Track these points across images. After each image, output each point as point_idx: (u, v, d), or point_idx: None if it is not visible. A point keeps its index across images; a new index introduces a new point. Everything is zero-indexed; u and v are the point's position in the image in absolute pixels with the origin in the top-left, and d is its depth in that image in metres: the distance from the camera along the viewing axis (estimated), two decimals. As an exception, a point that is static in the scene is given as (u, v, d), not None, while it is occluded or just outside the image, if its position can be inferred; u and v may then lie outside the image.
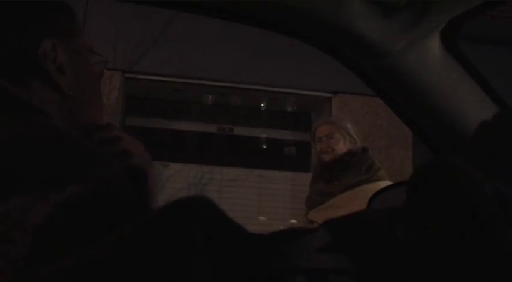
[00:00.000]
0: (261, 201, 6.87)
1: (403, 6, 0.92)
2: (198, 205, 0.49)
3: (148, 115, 7.09)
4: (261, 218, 6.77)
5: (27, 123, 0.58)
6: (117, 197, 0.53)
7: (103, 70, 0.88)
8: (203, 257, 0.45)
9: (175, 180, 6.78)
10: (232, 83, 6.54)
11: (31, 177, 0.50)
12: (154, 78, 6.39)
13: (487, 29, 5.78)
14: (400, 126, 6.23)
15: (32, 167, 0.51)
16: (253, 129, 7.33)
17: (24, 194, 0.48)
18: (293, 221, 6.38)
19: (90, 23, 4.44)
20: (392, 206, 0.55)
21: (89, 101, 0.79)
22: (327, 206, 2.34)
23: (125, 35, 6.06)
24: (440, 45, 1.03)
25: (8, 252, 0.46)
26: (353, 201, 2.23)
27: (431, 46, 1.02)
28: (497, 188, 0.51)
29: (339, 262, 0.47)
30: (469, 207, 0.50)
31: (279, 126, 7.35)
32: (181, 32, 6.03)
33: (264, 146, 7.38)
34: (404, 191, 1.31)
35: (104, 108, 0.87)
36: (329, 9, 0.95)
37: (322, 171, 2.49)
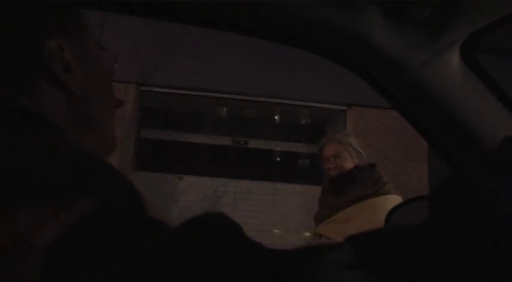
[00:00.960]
0: (275, 214, 6.86)
1: (422, 20, 0.92)
2: (217, 223, 0.48)
3: (163, 127, 7.13)
4: (275, 230, 6.76)
5: (36, 138, 0.57)
6: (128, 214, 0.52)
7: (114, 66, 0.87)
8: (223, 277, 0.44)
9: (189, 193, 6.79)
10: (246, 96, 6.56)
11: (40, 194, 0.49)
12: (169, 90, 6.43)
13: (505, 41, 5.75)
14: (415, 138, 6.19)
15: (41, 184, 0.50)
16: (267, 141, 7.34)
17: (33, 212, 0.47)
18: (307, 234, 6.35)
19: (106, 37, 4.48)
20: (414, 222, 0.54)
21: (99, 99, 0.77)
22: (334, 220, 2.39)
23: (140, 48, 6.12)
24: (460, 60, 1.02)
25: (20, 274, 0.45)
26: (360, 214, 2.30)
27: (450, 60, 1.01)
28: None
29: (365, 279, 0.47)
30: (493, 227, 0.49)
31: (293, 139, 7.35)
32: (196, 45, 6.07)
33: (278, 159, 7.38)
34: (421, 206, 1.29)
35: (115, 112, 0.84)
36: (348, 23, 0.95)
37: (331, 186, 2.54)
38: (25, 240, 0.46)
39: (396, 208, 1.50)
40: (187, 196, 6.78)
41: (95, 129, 0.76)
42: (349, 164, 2.45)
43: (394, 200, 2.28)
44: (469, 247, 0.49)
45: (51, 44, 0.68)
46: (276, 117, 7.28)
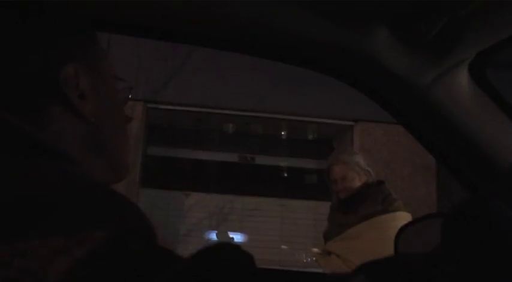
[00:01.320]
0: (283, 230, 6.84)
1: (430, 40, 0.92)
2: (228, 255, 0.48)
3: (170, 145, 7.14)
4: (283, 247, 6.73)
5: (45, 170, 0.56)
6: (142, 247, 0.51)
7: (128, 96, 0.86)
8: None
9: (196, 210, 6.78)
10: (252, 112, 6.57)
11: (49, 228, 0.48)
12: (175, 108, 6.45)
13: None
14: (423, 154, 6.17)
15: (50, 218, 0.49)
16: (274, 158, 7.33)
17: (42, 246, 0.46)
18: (315, 250, 6.31)
19: (113, 55, 4.50)
20: (425, 242, 0.53)
21: (112, 128, 0.76)
22: (344, 237, 2.40)
23: (147, 66, 6.16)
24: (469, 78, 1.01)
25: None
26: (369, 231, 2.30)
27: (459, 79, 1.01)
28: None
29: None
30: (509, 257, 0.48)
31: (300, 155, 7.34)
32: (202, 63, 6.10)
33: (286, 175, 7.36)
34: (431, 224, 1.28)
35: (128, 136, 0.83)
36: (357, 43, 0.95)
37: (340, 204, 2.55)
38: (35, 274, 0.45)
39: (406, 226, 1.49)
40: (195, 213, 6.77)
41: (106, 157, 0.74)
42: (356, 183, 2.45)
43: (404, 217, 2.28)
44: (484, 277, 0.48)
45: (68, 69, 0.67)
46: (283, 133, 7.27)
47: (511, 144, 1.04)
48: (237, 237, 6.54)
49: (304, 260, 6.59)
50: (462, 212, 0.53)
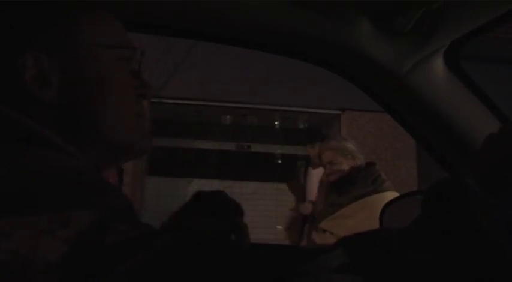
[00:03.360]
0: (278, 211, 6.84)
1: (408, 30, 0.92)
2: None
3: (173, 136, 7.13)
4: (278, 227, 6.74)
5: (31, 156, 0.53)
6: (125, 227, 0.49)
7: (139, 61, 0.76)
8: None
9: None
10: (249, 104, 6.56)
11: (35, 211, 0.46)
12: (177, 101, 6.43)
13: (491, 49, 5.77)
14: (404, 139, 6.18)
15: (35, 201, 0.47)
16: (268, 146, 7.33)
17: (28, 229, 0.45)
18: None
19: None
20: (404, 226, 0.53)
21: (95, 107, 0.65)
22: (337, 216, 2.40)
23: (150, 63, 6.12)
24: (444, 65, 1.02)
25: None
26: (361, 211, 2.30)
27: (435, 66, 1.01)
28: (505, 210, 0.50)
29: None
30: (476, 232, 0.49)
31: (292, 143, 7.34)
32: (201, 59, 6.08)
33: (279, 161, 7.37)
34: (412, 201, 1.29)
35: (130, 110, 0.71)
36: (340, 34, 0.95)
37: (331, 187, 2.58)
38: (24, 257, 0.44)
39: (388, 204, 1.50)
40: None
41: (91, 138, 0.65)
42: (344, 167, 2.45)
43: (392, 196, 2.26)
44: (453, 251, 0.48)
45: (26, 57, 0.61)
46: (276, 123, 7.26)
47: (482, 124, 1.05)
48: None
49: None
50: (437, 192, 0.54)
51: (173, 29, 1.02)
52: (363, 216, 2.25)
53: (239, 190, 6.82)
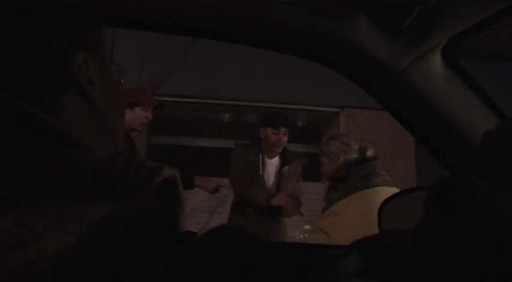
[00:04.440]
0: (277, 208, 6.84)
1: (406, 27, 0.92)
2: (233, 234, 0.47)
3: (172, 134, 7.12)
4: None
5: (57, 157, 0.53)
6: (144, 224, 0.49)
7: (122, 79, 0.83)
8: None
9: (198, 192, 6.76)
10: (247, 102, 6.56)
11: (65, 212, 0.45)
12: (176, 99, 6.42)
13: (489, 46, 5.77)
14: (403, 136, 6.19)
15: (66, 202, 0.46)
16: (267, 143, 7.32)
17: (58, 229, 0.44)
18: (307, 226, 6.32)
19: (117, 51, 4.48)
20: (413, 227, 0.53)
21: (117, 112, 0.73)
22: (328, 213, 2.42)
23: (149, 61, 6.12)
24: (442, 62, 1.02)
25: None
26: (348, 207, 2.31)
27: (433, 62, 1.01)
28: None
29: None
30: (487, 228, 0.48)
31: (291, 140, 7.34)
32: (200, 57, 6.08)
33: (278, 159, 7.36)
34: (412, 197, 1.28)
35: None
36: (339, 31, 0.95)
37: (330, 183, 2.61)
38: (53, 256, 0.43)
39: (389, 199, 1.50)
40: (197, 195, 6.75)
41: (112, 141, 0.71)
42: (330, 167, 2.49)
43: (381, 191, 2.24)
44: (468, 250, 0.48)
45: (79, 56, 0.64)
46: (275, 121, 7.26)
47: (480, 120, 1.05)
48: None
49: (297, 237, 6.61)
50: (443, 190, 0.53)
51: (172, 27, 1.02)
52: (350, 212, 2.26)
53: (238, 188, 6.82)
